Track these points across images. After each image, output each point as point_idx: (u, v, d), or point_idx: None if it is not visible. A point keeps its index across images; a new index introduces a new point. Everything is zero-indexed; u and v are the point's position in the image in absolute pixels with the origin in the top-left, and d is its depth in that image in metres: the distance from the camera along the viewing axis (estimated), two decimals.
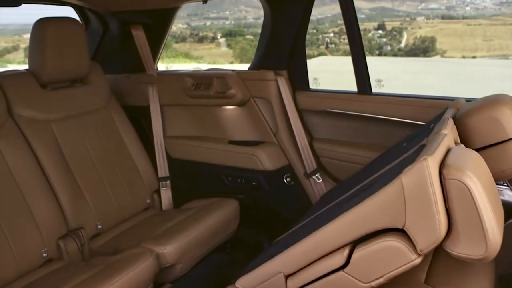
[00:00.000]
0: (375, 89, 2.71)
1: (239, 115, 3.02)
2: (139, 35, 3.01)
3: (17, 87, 2.47)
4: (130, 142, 2.89)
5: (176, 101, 3.12)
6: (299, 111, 2.90)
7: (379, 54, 11.45)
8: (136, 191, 2.81)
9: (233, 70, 3.00)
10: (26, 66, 2.62)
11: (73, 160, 2.55)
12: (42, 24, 2.49)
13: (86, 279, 2.03)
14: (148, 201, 2.88)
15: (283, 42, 2.84)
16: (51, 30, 2.48)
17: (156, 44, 3.16)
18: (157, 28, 3.12)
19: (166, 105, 3.14)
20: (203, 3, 2.98)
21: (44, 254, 2.27)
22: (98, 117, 2.78)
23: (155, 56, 3.19)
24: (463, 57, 10.92)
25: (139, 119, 3.15)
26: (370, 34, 11.49)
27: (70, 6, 2.96)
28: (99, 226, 2.55)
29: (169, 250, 2.26)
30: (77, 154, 2.59)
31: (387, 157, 2.15)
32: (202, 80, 3.01)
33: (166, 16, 3.09)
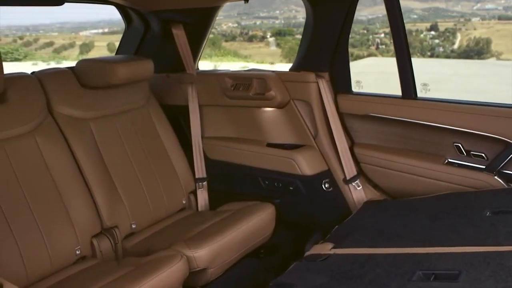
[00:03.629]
0: (420, 93, 2.59)
1: (278, 117, 2.95)
2: (180, 34, 2.99)
3: (57, 85, 2.50)
4: (168, 142, 2.88)
5: (215, 101, 3.09)
6: (340, 115, 2.81)
7: (431, 56, 11.12)
8: (172, 191, 2.80)
9: (273, 71, 2.93)
10: None
11: (110, 159, 2.56)
12: None
13: (116, 279, 2.02)
14: (184, 201, 2.86)
15: (325, 43, 2.76)
16: None
17: (196, 44, 3.14)
18: (198, 28, 3.10)
19: (205, 105, 3.12)
20: (245, 2, 2.94)
21: (77, 252, 2.28)
22: (136, 116, 2.78)
23: (195, 55, 3.16)
24: None
25: (178, 119, 3.14)
26: (422, 35, 11.19)
27: (112, 5, 2.98)
28: (133, 226, 2.55)
29: (200, 254, 2.22)
30: (114, 153, 2.60)
31: (459, 218, 2.05)
32: (241, 80, 2.97)
33: (207, 16, 3.06)
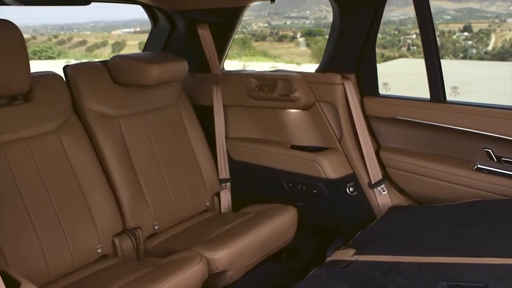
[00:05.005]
0: (449, 97, 2.52)
1: (303, 119, 2.91)
2: (205, 34, 2.98)
3: (89, 80, 2.49)
4: (196, 142, 2.87)
5: (239, 102, 3.07)
6: (366, 117, 2.76)
7: (464, 57, 10.88)
8: (197, 192, 2.79)
9: (298, 72, 2.90)
10: None
11: (137, 157, 2.56)
12: None
13: (135, 279, 2.02)
14: (207, 203, 2.85)
15: (352, 44, 2.70)
16: None
17: (222, 44, 3.13)
18: (224, 28, 3.08)
19: (229, 106, 3.10)
20: (271, 2, 2.91)
21: (99, 250, 2.29)
22: (166, 114, 2.76)
23: (221, 55, 3.15)
24: None
25: (203, 119, 3.13)
26: (455, 36, 10.95)
27: (139, 4, 2.99)
28: (156, 227, 2.55)
29: (220, 256, 2.20)
30: (141, 151, 2.59)
31: (487, 227, 1.98)
32: (266, 81, 2.93)
33: (233, 16, 3.04)
